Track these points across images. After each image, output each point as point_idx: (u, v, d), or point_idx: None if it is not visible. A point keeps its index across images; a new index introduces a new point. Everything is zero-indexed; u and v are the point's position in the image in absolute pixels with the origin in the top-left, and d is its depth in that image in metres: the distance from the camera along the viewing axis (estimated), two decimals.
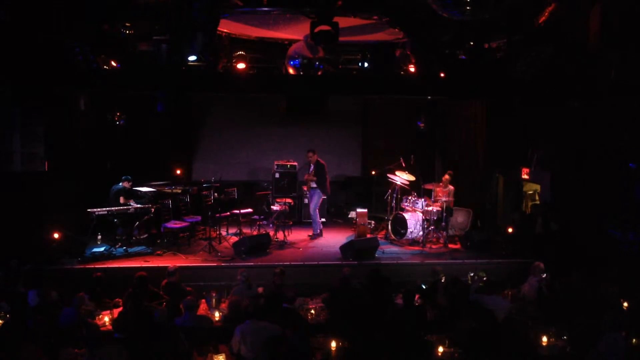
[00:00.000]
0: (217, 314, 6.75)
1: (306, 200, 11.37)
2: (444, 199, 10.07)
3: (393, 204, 10.65)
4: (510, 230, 10.03)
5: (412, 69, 9.69)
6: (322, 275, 8.42)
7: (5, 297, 6.73)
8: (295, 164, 11.44)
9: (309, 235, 10.47)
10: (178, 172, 12.13)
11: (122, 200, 9.36)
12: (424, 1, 6.24)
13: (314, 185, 10.36)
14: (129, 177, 9.62)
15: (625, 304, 6.74)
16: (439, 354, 5.61)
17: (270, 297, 6.78)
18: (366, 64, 10.18)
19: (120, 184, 9.50)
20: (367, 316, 6.16)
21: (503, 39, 9.36)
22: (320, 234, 10.53)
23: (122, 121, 11.32)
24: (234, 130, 13.09)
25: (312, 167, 10.37)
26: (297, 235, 10.54)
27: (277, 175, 11.57)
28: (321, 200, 10.68)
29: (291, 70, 9.25)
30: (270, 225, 10.61)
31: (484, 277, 7.78)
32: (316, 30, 7.88)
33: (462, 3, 5.91)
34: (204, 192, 10.30)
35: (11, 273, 7.55)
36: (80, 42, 8.27)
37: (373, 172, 12.33)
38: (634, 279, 7.26)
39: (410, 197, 10.38)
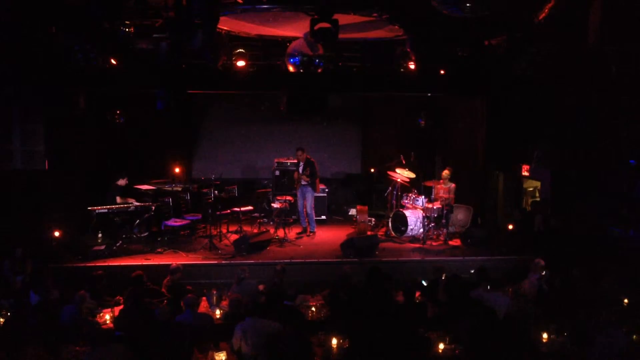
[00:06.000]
0: (217, 312, 6.75)
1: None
2: (444, 196, 10.07)
3: (393, 202, 10.67)
4: (510, 227, 10.05)
5: (412, 66, 9.68)
6: (322, 272, 8.43)
7: (10, 288, 6.78)
8: (296, 161, 11.44)
9: (307, 235, 10.38)
10: (178, 170, 12.13)
11: (118, 199, 9.35)
12: None
13: (304, 182, 10.26)
14: (125, 174, 9.61)
15: (626, 301, 6.75)
16: (440, 351, 5.62)
17: (271, 295, 6.80)
18: (366, 62, 10.17)
19: (117, 182, 9.50)
20: (367, 313, 6.17)
21: (503, 35, 9.35)
22: (314, 233, 10.49)
23: (122, 119, 11.32)
24: (234, 128, 13.10)
25: (301, 165, 10.28)
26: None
27: (277, 172, 11.57)
28: (313, 197, 10.58)
29: (291, 68, 9.25)
30: (271, 222, 10.62)
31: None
32: (316, 27, 7.87)
33: (462, 0, 5.91)
34: (204, 190, 10.32)
35: (16, 262, 7.68)
36: (80, 40, 8.27)
37: (373, 170, 12.35)
38: (634, 276, 7.26)
39: (410, 195, 10.38)
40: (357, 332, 5.72)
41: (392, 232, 10.34)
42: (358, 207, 10.64)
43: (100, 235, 9.34)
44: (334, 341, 5.71)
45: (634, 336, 5.79)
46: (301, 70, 9.13)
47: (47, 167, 9.21)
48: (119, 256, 8.69)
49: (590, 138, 9.13)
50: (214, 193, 10.09)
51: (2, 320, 6.33)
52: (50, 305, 6.32)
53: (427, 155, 12.79)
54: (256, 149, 13.10)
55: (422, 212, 10.03)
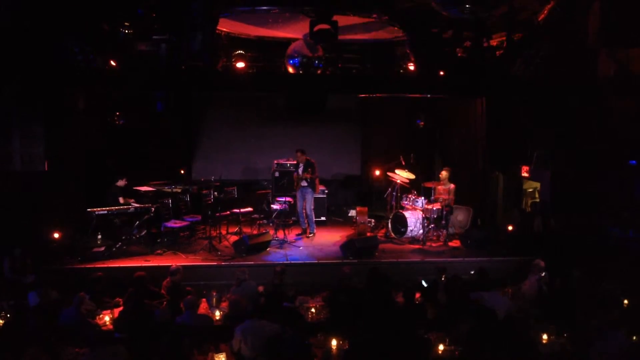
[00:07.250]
0: (217, 313, 6.76)
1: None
2: (444, 197, 10.06)
3: (393, 203, 10.66)
4: (510, 228, 10.03)
5: (411, 67, 9.69)
6: (322, 274, 8.41)
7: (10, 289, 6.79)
8: (295, 162, 11.43)
9: (307, 236, 10.36)
10: (178, 171, 12.12)
11: (121, 200, 9.36)
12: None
13: (304, 184, 10.23)
14: (124, 176, 9.60)
15: (626, 302, 6.75)
16: (440, 352, 5.62)
17: (270, 296, 6.79)
18: (366, 63, 10.17)
19: (117, 183, 9.50)
20: (367, 315, 6.17)
21: (502, 37, 9.36)
22: (313, 234, 10.46)
23: (121, 121, 11.31)
24: (233, 129, 13.10)
25: (301, 166, 10.25)
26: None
27: (276, 174, 11.56)
28: (312, 198, 10.52)
29: (290, 69, 9.26)
30: (270, 224, 10.61)
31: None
32: (315, 29, 7.89)
33: (461, 1, 5.92)
34: (204, 191, 10.29)
35: (16, 261, 7.69)
36: (80, 41, 8.27)
37: (373, 171, 12.34)
38: (634, 277, 7.26)
39: (410, 196, 10.38)
40: (357, 333, 5.72)
41: (392, 234, 10.33)
42: (358, 208, 10.63)
43: (99, 236, 9.34)
44: (334, 342, 5.70)
45: (634, 337, 5.79)
46: (301, 72, 9.14)
47: (46, 169, 9.20)
48: (119, 258, 8.67)
49: (590, 138, 9.13)
50: (213, 194, 10.07)
51: (1, 322, 6.33)
52: (49, 307, 6.32)
53: (426, 156, 12.78)
54: (256, 150, 13.09)
55: (421, 213, 10.03)
